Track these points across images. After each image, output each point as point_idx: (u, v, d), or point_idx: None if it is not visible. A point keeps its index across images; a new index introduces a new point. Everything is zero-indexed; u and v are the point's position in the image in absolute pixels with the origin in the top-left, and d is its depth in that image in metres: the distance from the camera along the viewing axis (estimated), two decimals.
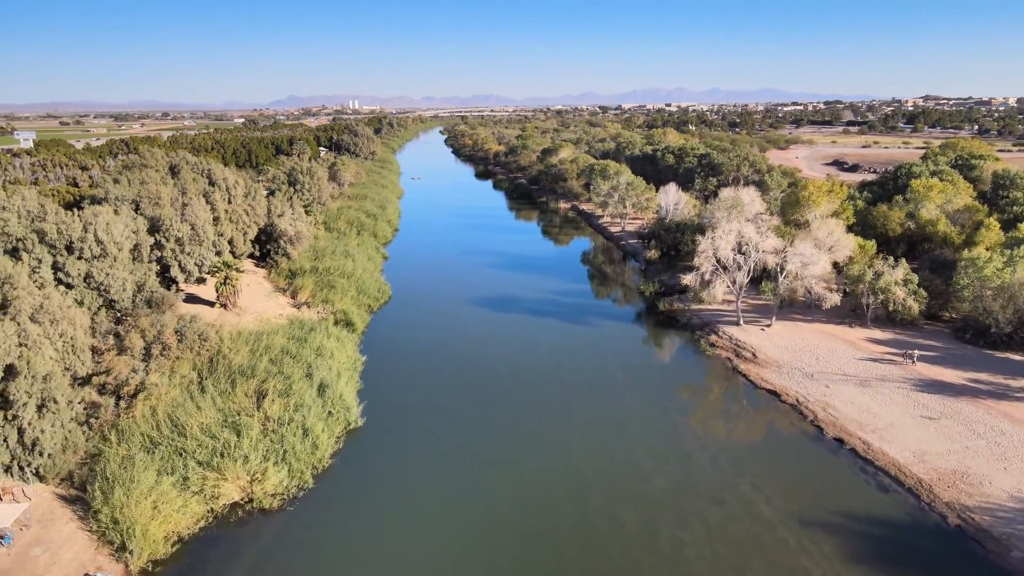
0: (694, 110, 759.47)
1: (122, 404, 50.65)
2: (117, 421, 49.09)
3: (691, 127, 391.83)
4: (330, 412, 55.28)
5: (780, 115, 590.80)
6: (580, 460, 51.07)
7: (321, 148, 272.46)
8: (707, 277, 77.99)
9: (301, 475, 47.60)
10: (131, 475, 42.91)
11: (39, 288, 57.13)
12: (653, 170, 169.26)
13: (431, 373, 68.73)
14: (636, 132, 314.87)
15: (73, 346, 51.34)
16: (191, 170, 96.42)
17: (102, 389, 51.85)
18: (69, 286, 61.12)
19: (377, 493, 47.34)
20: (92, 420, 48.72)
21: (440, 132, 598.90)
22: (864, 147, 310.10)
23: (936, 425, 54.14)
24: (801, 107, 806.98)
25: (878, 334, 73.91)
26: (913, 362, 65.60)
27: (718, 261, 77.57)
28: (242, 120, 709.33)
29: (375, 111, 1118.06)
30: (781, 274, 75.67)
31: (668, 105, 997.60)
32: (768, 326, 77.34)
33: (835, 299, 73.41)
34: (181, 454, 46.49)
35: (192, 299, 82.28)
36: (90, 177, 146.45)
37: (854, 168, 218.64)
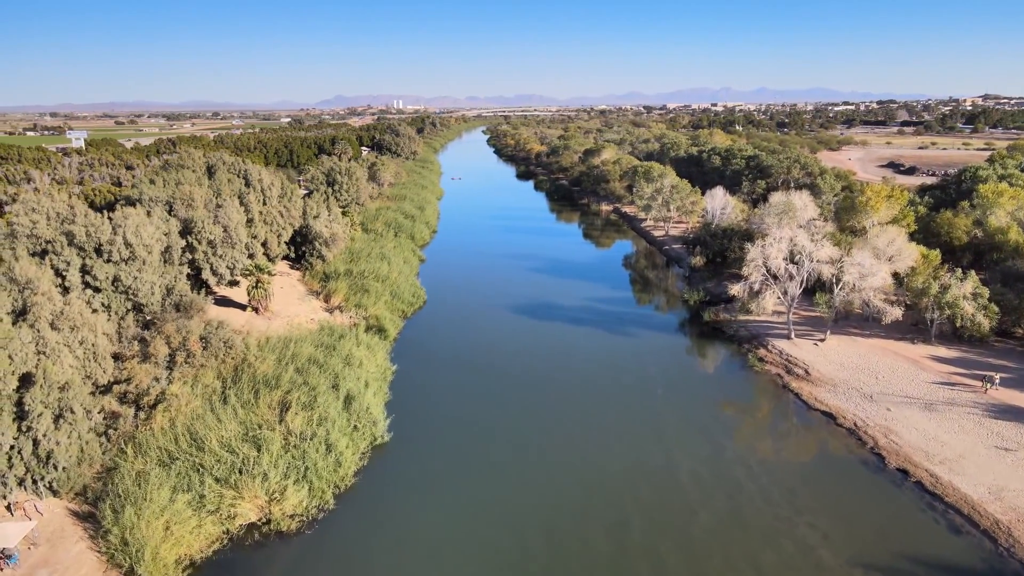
0: (741, 110, 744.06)
1: (141, 415, 49.00)
2: (135, 433, 47.39)
3: (738, 127, 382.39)
4: (355, 426, 52.87)
5: (831, 115, 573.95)
6: (618, 488, 47.56)
7: (363, 148, 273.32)
8: (756, 287, 73.60)
9: (322, 495, 45.21)
10: (145, 492, 41.05)
11: (64, 292, 56.17)
12: (698, 172, 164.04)
13: (462, 385, 65.91)
14: (681, 133, 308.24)
15: (95, 353, 49.94)
16: (227, 171, 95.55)
17: (123, 398, 50.33)
18: (97, 289, 60.01)
19: (400, 517, 44.67)
20: (111, 431, 47.15)
21: (483, 132, 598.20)
22: (921, 148, 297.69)
23: (1014, 457, 49.15)
24: (853, 107, 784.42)
25: (943, 352, 68.54)
26: (995, 387, 59.76)
27: (768, 270, 73.13)
28: (288, 120, 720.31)
29: (419, 111, 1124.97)
30: (837, 285, 70.86)
31: (714, 105, 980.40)
32: (822, 340, 72.57)
33: (896, 313, 68.24)
34: (199, 470, 44.51)
35: (224, 302, 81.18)
36: (133, 176, 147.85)
37: (911, 171, 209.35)
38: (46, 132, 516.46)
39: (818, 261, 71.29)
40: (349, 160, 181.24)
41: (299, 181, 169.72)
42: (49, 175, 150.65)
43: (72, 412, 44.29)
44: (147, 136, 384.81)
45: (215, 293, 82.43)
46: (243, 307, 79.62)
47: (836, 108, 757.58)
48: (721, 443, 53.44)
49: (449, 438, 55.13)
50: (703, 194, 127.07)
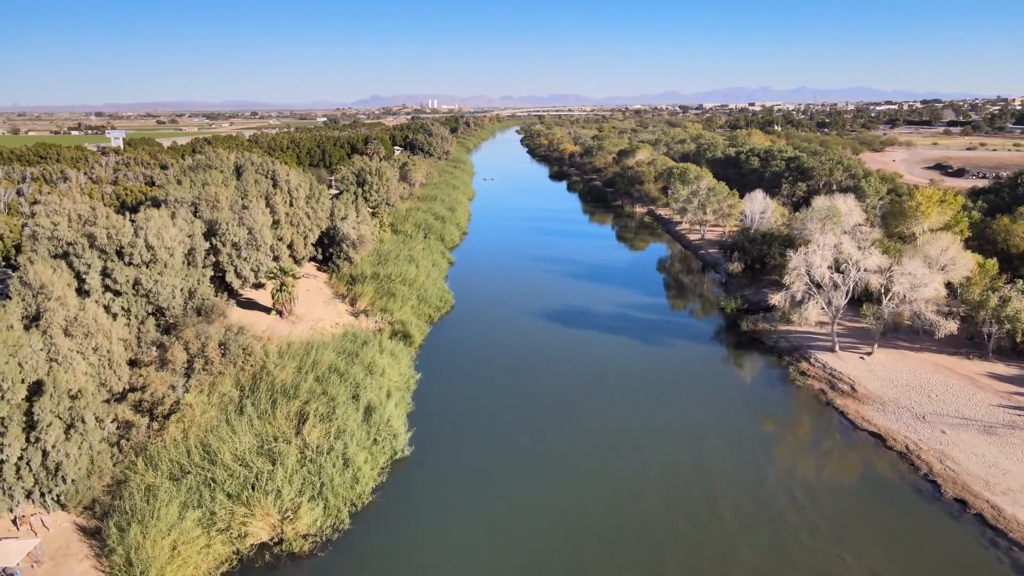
0: (779, 109, 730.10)
1: (154, 425, 47.51)
2: (148, 443, 45.88)
3: (776, 127, 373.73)
4: (375, 439, 50.76)
5: (872, 115, 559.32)
6: (652, 516, 44.57)
7: (396, 147, 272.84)
8: (798, 297, 69.84)
9: (338, 513, 43.14)
10: (153, 508, 39.39)
11: (83, 296, 55.11)
12: (736, 173, 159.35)
13: (488, 396, 63.45)
14: (718, 133, 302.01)
15: (110, 360, 48.62)
16: (256, 171, 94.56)
17: (138, 407, 48.96)
18: (117, 293, 58.91)
19: (418, 539, 42.37)
20: (123, 441, 45.72)
21: (516, 131, 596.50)
22: (969, 149, 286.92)
23: None
24: (896, 106, 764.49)
25: (1002, 369, 64.07)
26: None
27: (811, 279, 69.33)
28: (324, 119, 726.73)
29: (453, 110, 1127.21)
30: (886, 296, 66.82)
31: (751, 104, 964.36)
32: (868, 354, 68.54)
33: (951, 327, 63.93)
34: (210, 484, 42.76)
35: (250, 304, 79.98)
36: (167, 176, 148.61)
37: (960, 173, 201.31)
38: (90, 131, 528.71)
39: (865, 270, 67.31)
40: (381, 160, 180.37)
41: (330, 181, 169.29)
42: (86, 174, 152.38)
43: (83, 422, 42.90)
44: (186, 135, 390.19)
45: (240, 295, 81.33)
46: (268, 310, 78.31)
47: (878, 108, 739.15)
48: (762, 468, 50.07)
49: (472, 454, 52.70)
50: (741, 197, 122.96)
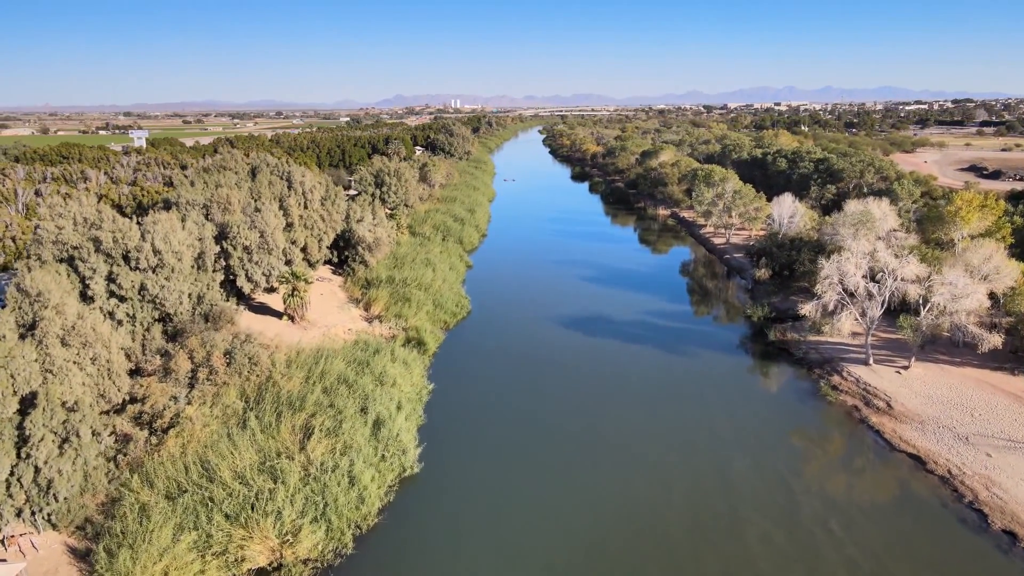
0: (805, 109, 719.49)
1: (153, 439, 45.60)
2: (145, 459, 43.94)
3: (803, 127, 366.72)
4: (383, 456, 48.46)
5: (902, 115, 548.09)
6: (676, 544, 41.68)
7: (417, 147, 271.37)
8: (830, 307, 66.41)
9: (341, 536, 40.87)
10: (145, 530, 37.38)
11: (87, 302, 53.51)
12: (762, 175, 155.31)
13: (503, 408, 60.87)
14: (743, 133, 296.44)
15: (109, 370, 46.87)
16: (271, 172, 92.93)
17: (137, 419, 47.14)
18: (122, 299, 57.29)
19: (426, 566, 39.93)
20: (120, 456, 43.87)
21: (539, 131, 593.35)
22: (1004, 150, 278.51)
23: None
24: (925, 106, 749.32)
25: None
26: None
27: (844, 288, 65.89)
28: (347, 119, 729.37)
29: (476, 110, 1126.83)
30: (924, 307, 63.22)
31: (777, 104, 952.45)
32: (905, 368, 64.96)
33: (995, 341, 60.22)
34: (207, 504, 40.69)
35: (262, 309, 78.30)
36: (186, 176, 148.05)
37: (996, 175, 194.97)
38: (117, 131, 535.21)
39: (902, 279, 63.75)
40: (402, 160, 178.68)
41: (349, 182, 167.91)
42: (107, 174, 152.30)
43: (78, 436, 41.07)
44: (210, 135, 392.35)
45: (253, 300, 79.69)
46: (280, 315, 76.50)
47: (907, 107, 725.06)
48: (794, 493, 46.85)
49: (485, 471, 50.15)
50: (767, 200, 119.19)
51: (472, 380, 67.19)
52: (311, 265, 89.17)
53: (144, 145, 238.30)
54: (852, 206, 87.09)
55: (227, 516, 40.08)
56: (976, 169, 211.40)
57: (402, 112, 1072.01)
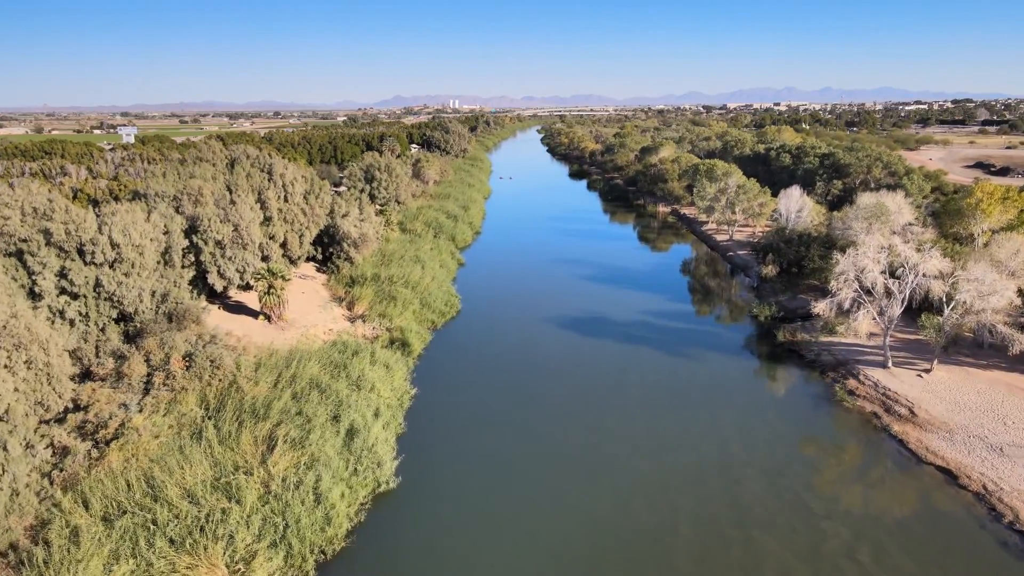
0: (805, 109, 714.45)
1: (95, 452, 40.68)
2: (82, 475, 39.01)
3: (804, 126, 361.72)
4: (355, 469, 43.56)
5: (902, 114, 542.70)
6: None
7: (412, 145, 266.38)
8: (846, 305, 61.62)
9: (302, 563, 35.99)
10: (73, 558, 32.47)
11: (35, 300, 48.64)
12: (765, 171, 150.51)
13: (492, 415, 55.88)
14: (745, 131, 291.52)
15: (48, 375, 41.99)
16: (251, 165, 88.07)
17: (81, 429, 42.24)
18: (74, 296, 52.41)
19: None
20: (56, 472, 38.95)
21: (537, 131, 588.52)
22: (1009, 148, 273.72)
23: None
24: (925, 106, 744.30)
25: None
26: None
27: (861, 285, 61.11)
28: (344, 119, 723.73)
29: (475, 110, 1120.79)
30: (948, 305, 58.42)
31: (777, 104, 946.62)
32: (927, 371, 60.13)
33: None
34: (149, 527, 35.74)
35: (238, 308, 73.40)
36: (156, 168, 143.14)
37: (1004, 171, 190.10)
38: (111, 130, 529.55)
39: (925, 275, 58.92)
40: (396, 156, 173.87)
41: (340, 178, 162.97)
42: (88, 169, 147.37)
43: (5, 450, 36.24)
44: (204, 134, 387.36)
45: (229, 298, 74.84)
46: (257, 314, 71.65)
47: (907, 107, 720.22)
48: (816, 518, 41.69)
49: (469, 488, 45.18)
50: (773, 195, 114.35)
51: (459, 384, 62.28)
52: (292, 262, 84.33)
53: (131, 141, 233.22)
54: (865, 199, 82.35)
55: (171, 541, 35.16)
56: (983, 166, 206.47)
57: (401, 112, 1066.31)
